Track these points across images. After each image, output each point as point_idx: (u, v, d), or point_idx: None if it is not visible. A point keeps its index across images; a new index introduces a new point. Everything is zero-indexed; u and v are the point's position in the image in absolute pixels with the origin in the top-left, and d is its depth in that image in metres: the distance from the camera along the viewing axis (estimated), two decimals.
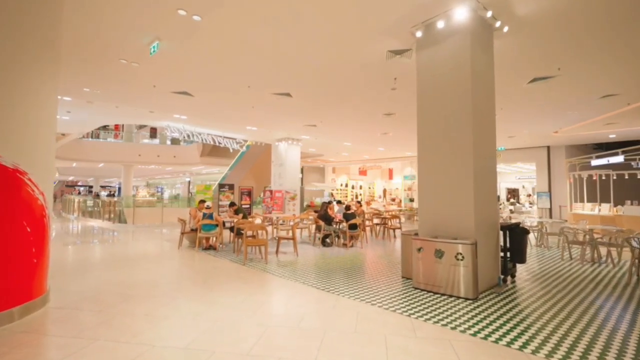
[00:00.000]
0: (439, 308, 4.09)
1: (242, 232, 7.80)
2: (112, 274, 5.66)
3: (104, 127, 24.55)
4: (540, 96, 8.46)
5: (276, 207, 14.93)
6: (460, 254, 4.43)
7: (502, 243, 5.32)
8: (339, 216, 8.85)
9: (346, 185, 27.73)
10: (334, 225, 8.66)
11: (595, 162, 12.91)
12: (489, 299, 4.45)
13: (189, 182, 39.61)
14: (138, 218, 13.51)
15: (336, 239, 8.66)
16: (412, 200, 23.55)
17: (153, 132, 27.27)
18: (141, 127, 28.84)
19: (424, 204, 5.17)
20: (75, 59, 6.46)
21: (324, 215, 8.61)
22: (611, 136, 14.16)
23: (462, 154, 4.75)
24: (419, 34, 5.20)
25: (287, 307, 4.12)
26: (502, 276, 4.99)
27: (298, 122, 11.71)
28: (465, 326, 3.54)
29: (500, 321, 3.68)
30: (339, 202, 10.80)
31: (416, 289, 4.85)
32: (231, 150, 14.89)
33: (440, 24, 4.96)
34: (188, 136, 12.35)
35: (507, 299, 4.48)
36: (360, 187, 28.56)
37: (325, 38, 5.53)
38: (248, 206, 15.83)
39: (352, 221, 8.27)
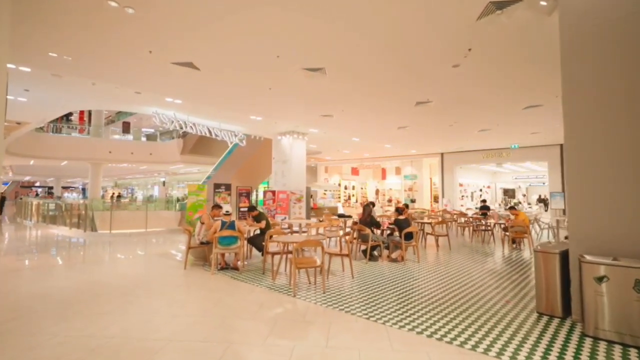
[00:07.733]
0: None
1: (264, 245, 5.91)
2: (99, 326, 3.53)
3: (67, 120, 21.51)
4: None
5: (280, 210, 13.02)
6: None
7: None
8: (387, 222, 7.11)
9: (339, 185, 26.14)
10: (383, 234, 6.91)
11: None
12: None
13: (164, 182, 36.49)
14: (116, 224, 11.07)
15: (385, 250, 6.92)
16: (413, 201, 22.28)
17: (126, 127, 24.30)
18: (111, 121, 25.79)
19: (584, 210, 3.56)
20: (38, 4, 4.32)
21: (370, 220, 6.81)
22: None
23: None
24: None
25: None
26: None
27: (315, 111, 9.85)
28: None
29: None
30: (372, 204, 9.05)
31: (596, 338, 3.21)
32: (229, 144, 12.80)
33: None
34: (181, 126, 10.17)
35: None
36: (353, 188, 27.06)
37: None
38: (246, 209, 13.82)
39: (408, 229, 6.55)
